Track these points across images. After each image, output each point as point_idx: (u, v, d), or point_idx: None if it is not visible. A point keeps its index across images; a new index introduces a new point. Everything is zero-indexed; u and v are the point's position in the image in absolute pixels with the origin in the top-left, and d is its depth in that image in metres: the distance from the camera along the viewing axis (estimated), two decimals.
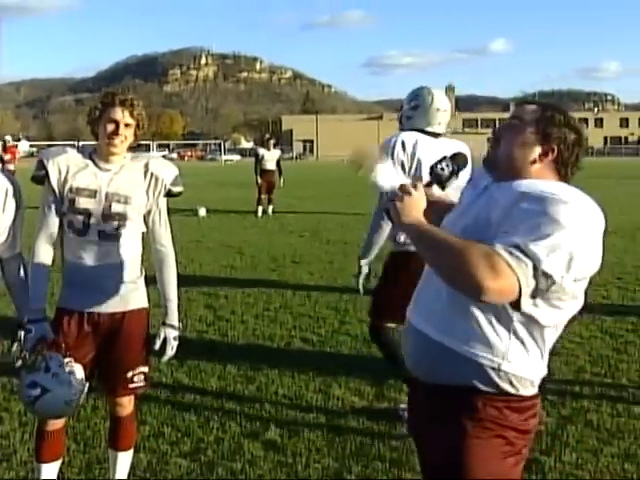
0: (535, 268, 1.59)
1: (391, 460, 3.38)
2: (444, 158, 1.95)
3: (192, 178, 24.78)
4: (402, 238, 3.63)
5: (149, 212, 2.74)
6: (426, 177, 3.46)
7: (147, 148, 59.08)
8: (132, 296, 2.73)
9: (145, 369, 2.81)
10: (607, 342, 5.39)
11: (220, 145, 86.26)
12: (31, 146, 74.38)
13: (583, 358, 4.97)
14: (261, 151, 15.52)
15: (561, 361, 4.82)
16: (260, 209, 14.99)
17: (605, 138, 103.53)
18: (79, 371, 2.51)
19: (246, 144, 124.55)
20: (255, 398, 4.22)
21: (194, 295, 6.94)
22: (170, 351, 2.78)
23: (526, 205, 1.65)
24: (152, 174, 2.69)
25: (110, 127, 2.57)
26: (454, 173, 1.92)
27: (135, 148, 2.77)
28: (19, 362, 2.51)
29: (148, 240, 2.79)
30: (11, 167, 18.31)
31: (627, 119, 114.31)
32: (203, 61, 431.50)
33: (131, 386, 2.78)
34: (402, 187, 1.81)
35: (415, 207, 1.77)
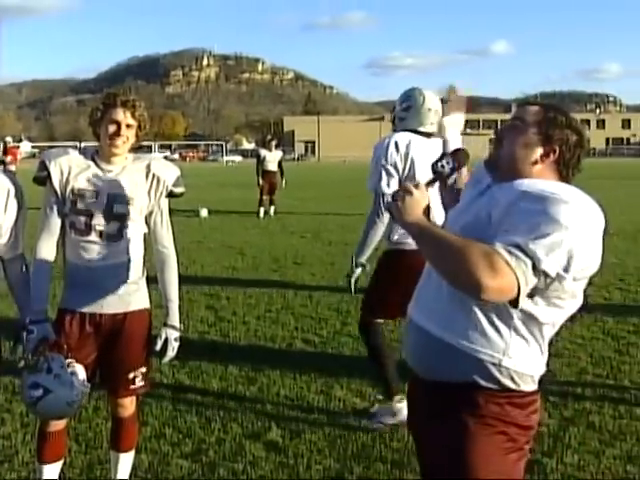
0: (534, 267, 1.60)
1: (393, 461, 3.37)
2: (444, 155, 1.96)
3: (194, 179, 24.81)
4: (395, 237, 3.68)
5: (151, 213, 2.74)
6: (419, 177, 3.50)
7: (149, 149, 59.17)
8: (134, 297, 2.73)
9: (147, 370, 2.82)
10: (609, 344, 5.39)
11: (222, 146, 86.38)
12: (33, 147, 74.53)
13: (585, 360, 4.96)
14: (263, 152, 15.53)
15: (563, 362, 4.82)
16: (262, 210, 15.00)
17: (607, 139, 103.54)
18: (81, 372, 2.51)
19: (248, 145, 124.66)
20: (257, 399, 4.22)
21: (195, 296, 6.95)
22: (171, 352, 2.78)
23: (526, 204, 1.67)
24: (154, 175, 2.70)
25: (112, 128, 2.58)
26: (455, 170, 1.93)
27: (137, 149, 2.77)
28: (22, 363, 2.51)
29: (150, 241, 2.79)
30: (12, 168, 18.32)
31: (629, 120, 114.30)
32: (205, 62, 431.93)
33: (132, 387, 2.78)
34: (404, 187, 1.82)
35: (417, 206, 1.78)
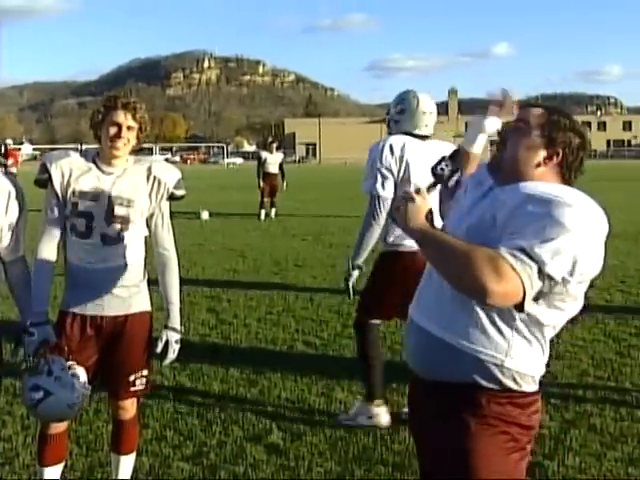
0: (540, 271, 1.60)
1: (394, 464, 3.37)
2: (443, 158, 1.96)
3: (195, 181, 24.83)
4: (391, 238, 3.69)
5: (152, 215, 2.74)
6: (414, 179, 3.49)
7: (150, 151, 59.22)
8: (135, 299, 2.73)
9: (147, 372, 2.82)
10: (610, 346, 5.38)
11: (223, 148, 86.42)
12: (34, 149, 74.63)
13: (586, 362, 4.95)
14: (264, 154, 15.53)
15: (564, 365, 4.82)
16: (263, 212, 15.01)
17: (608, 141, 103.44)
18: (82, 374, 2.51)
19: (249, 147, 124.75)
20: (258, 401, 4.22)
21: (196, 298, 6.95)
22: (172, 354, 2.78)
23: (531, 207, 1.67)
24: (155, 177, 2.70)
25: (113, 130, 2.58)
26: (454, 172, 1.93)
27: (138, 151, 2.77)
28: (22, 365, 2.51)
29: (151, 243, 2.79)
30: (13, 170, 18.33)
31: (630, 122, 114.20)
32: (206, 64, 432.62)
33: (133, 389, 2.77)
34: (405, 193, 1.82)
35: (419, 212, 1.78)
